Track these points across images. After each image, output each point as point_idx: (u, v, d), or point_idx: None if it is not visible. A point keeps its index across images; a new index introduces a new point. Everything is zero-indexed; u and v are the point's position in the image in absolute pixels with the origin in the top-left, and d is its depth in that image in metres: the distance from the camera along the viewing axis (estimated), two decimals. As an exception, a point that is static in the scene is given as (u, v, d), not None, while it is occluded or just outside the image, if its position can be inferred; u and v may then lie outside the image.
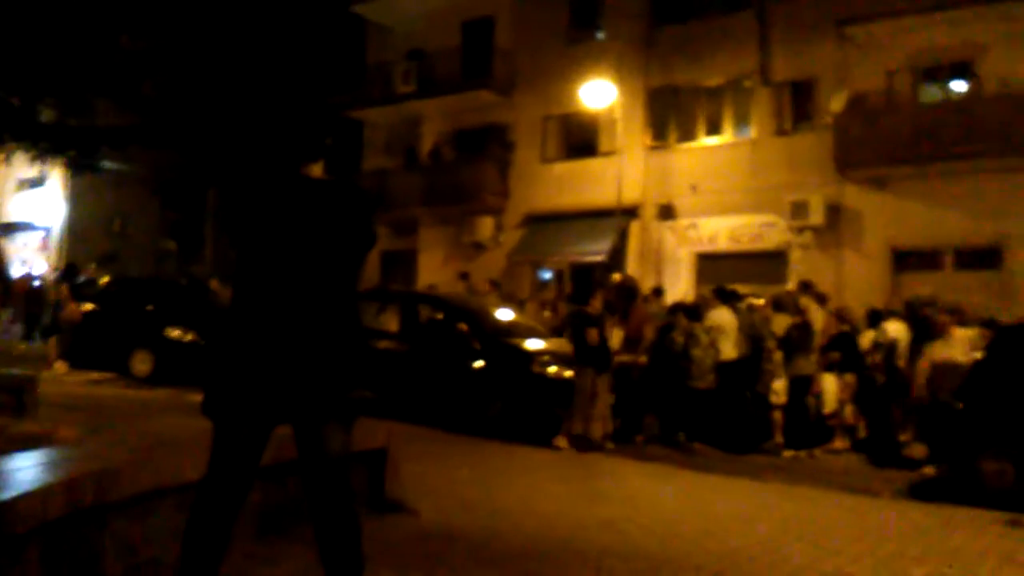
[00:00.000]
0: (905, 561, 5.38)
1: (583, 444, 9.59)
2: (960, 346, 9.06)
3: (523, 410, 10.13)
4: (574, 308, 10.35)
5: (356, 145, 22.83)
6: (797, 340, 10.65)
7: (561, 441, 9.62)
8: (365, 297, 11.68)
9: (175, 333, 13.10)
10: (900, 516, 7.09)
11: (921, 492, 8.37)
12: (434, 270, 21.01)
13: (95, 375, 13.13)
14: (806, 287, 12.50)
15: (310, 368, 3.14)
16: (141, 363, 13.15)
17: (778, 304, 11.83)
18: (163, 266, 23.63)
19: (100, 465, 4.00)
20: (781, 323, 11.26)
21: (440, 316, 11.44)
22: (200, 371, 3.39)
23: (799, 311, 11.22)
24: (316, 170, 3.36)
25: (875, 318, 11.28)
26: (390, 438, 5.69)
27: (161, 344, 13.06)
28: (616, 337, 10.83)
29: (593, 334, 9.74)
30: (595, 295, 10.36)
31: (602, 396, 9.85)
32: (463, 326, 10.82)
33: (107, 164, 22.57)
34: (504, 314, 12.04)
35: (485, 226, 20.89)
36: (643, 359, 10.96)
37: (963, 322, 9.76)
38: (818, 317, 11.31)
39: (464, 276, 17.04)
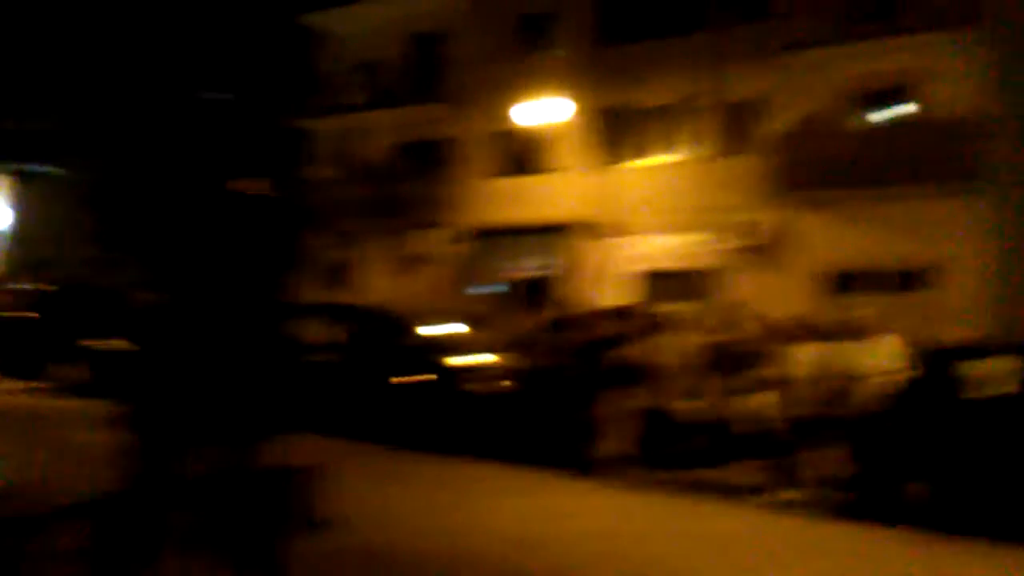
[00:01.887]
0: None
1: (614, 464, 9.72)
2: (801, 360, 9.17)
3: (455, 425, 10.08)
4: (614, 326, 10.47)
5: (299, 157, 22.61)
6: (728, 357, 10.77)
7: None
8: (299, 310, 11.56)
9: (110, 343, 12.81)
10: (821, 534, 7.20)
11: (843, 510, 8.49)
12: (378, 283, 20.91)
13: (28, 384, 12.80)
14: (735, 306, 12.71)
15: (236, 384, 3.10)
16: (74, 373, 12.84)
17: (696, 322, 11.98)
18: (95, 274, 23.15)
19: (14, 477, 3.90)
20: (695, 341, 11.34)
21: (376, 329, 11.35)
22: (134, 383, 3.34)
23: (733, 328, 11.37)
24: (249, 184, 3.32)
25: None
26: (321, 454, 5.62)
27: (95, 354, 12.77)
28: None
29: (609, 358, 9.96)
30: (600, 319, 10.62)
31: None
32: (400, 340, 10.74)
33: (39, 169, 22.12)
34: (444, 329, 11.99)
35: (431, 239, 20.85)
36: None
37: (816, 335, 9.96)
38: (751, 335, 11.46)
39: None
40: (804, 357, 9.15)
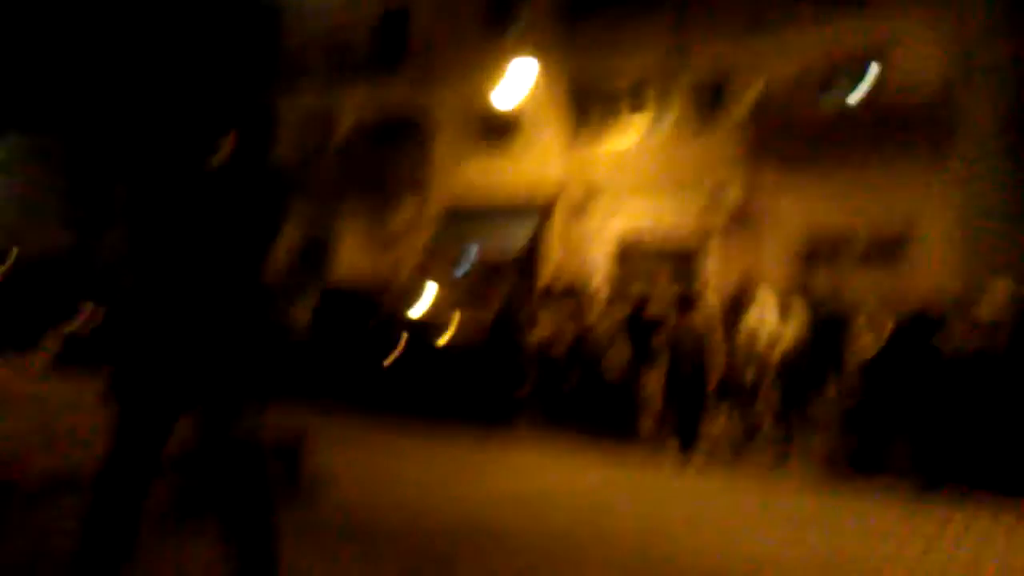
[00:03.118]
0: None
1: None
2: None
3: (440, 395, 10.13)
4: (636, 311, 10.58)
5: (270, 132, 22.31)
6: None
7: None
8: (282, 285, 11.51)
9: (78, 320, 12.64)
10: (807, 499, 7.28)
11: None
12: (353, 259, 20.79)
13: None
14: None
15: (216, 354, 3.07)
16: (45, 350, 12.69)
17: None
18: (67, 254, 22.76)
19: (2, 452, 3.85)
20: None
21: (359, 304, 11.34)
22: (105, 358, 3.29)
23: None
24: (223, 159, 3.27)
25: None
26: (308, 422, 5.63)
27: (69, 329, 12.61)
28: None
29: (659, 338, 10.06)
30: (649, 300, 10.68)
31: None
32: (383, 313, 10.74)
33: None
34: (424, 302, 11.97)
35: (403, 217, 20.74)
36: None
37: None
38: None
39: None
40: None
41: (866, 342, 10.67)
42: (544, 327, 11.56)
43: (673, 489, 7.40)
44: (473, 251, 19.63)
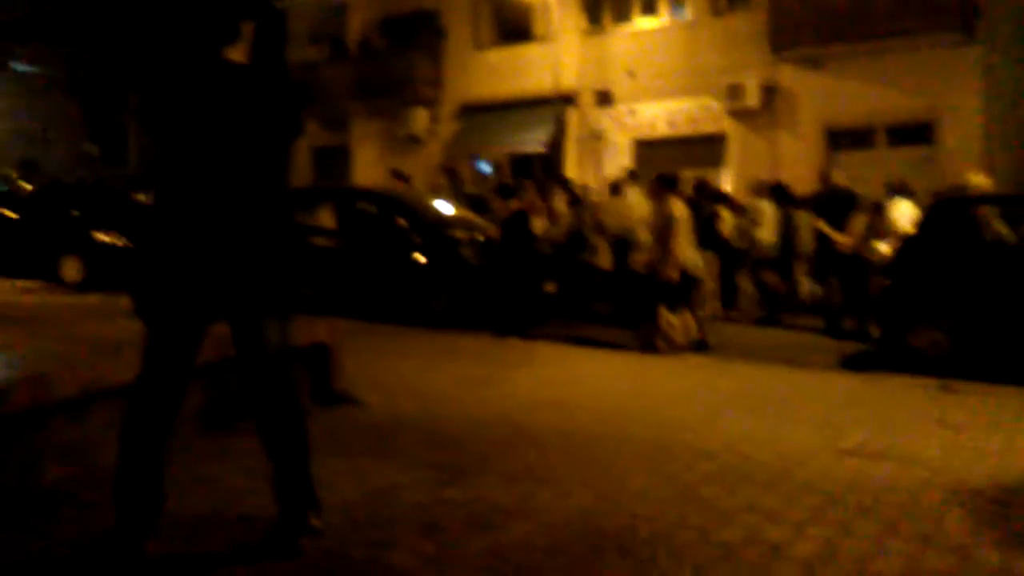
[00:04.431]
0: (841, 426, 5.58)
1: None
2: None
3: (466, 300, 10.17)
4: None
5: (281, 32, 21.93)
6: None
7: None
8: (299, 194, 11.45)
9: (104, 238, 12.70)
10: (834, 385, 7.33)
11: (854, 364, 8.64)
12: (369, 165, 20.63)
13: (23, 283, 12.76)
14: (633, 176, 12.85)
15: (240, 262, 3.05)
16: (70, 270, 12.78)
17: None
18: (87, 171, 22.76)
19: (33, 369, 3.90)
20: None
21: (377, 211, 11.27)
22: (130, 275, 3.28)
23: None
24: (236, 55, 3.18)
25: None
26: (333, 332, 5.66)
27: (90, 249, 12.68)
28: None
29: None
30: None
31: None
32: (401, 220, 10.68)
33: (20, 67, 21.46)
34: (442, 207, 11.91)
35: (419, 118, 20.43)
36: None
37: None
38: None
39: None
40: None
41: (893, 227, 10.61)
42: (556, 222, 11.58)
43: (690, 381, 7.43)
44: (494, 147, 19.41)
